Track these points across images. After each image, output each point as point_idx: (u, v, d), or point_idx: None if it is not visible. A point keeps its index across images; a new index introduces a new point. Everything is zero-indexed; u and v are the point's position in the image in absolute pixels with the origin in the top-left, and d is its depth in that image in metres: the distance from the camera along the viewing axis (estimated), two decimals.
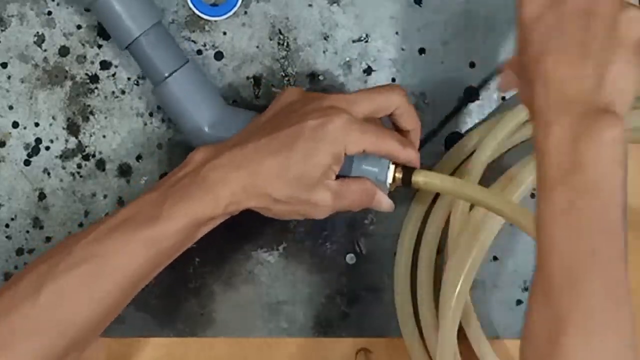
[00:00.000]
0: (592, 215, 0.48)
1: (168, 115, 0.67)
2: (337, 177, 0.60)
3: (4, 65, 0.69)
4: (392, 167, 0.63)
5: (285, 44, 0.70)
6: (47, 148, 0.70)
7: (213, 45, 0.70)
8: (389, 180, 0.63)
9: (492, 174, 0.70)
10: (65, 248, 0.58)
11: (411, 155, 0.62)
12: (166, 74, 0.64)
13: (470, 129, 0.71)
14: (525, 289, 0.71)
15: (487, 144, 0.67)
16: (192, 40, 0.70)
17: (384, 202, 0.64)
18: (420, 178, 0.62)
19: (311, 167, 0.58)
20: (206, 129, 0.64)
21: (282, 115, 0.62)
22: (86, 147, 0.70)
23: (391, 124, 0.64)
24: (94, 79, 0.70)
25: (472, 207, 0.67)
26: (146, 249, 0.57)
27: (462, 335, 0.67)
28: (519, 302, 0.71)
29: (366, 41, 0.70)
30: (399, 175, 0.63)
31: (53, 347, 0.56)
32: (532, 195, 0.70)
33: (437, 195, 0.69)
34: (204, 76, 0.66)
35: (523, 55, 0.54)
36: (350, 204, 0.62)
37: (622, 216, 0.49)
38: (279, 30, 0.70)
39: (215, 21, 0.70)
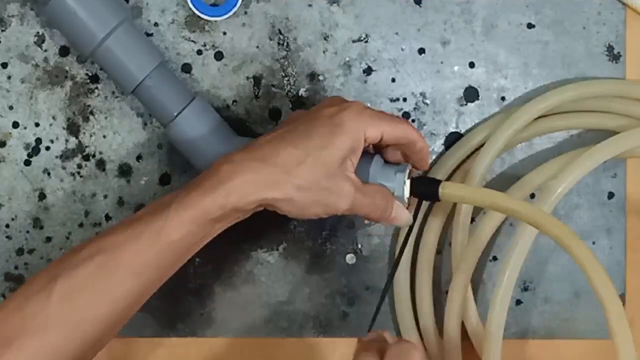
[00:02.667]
0: None
1: (181, 154, 0.67)
2: None
3: (4, 65, 0.69)
4: (408, 181, 0.63)
5: (285, 44, 0.70)
6: (47, 148, 0.70)
7: (213, 45, 0.70)
8: (406, 194, 0.63)
9: (501, 180, 0.70)
10: (78, 247, 0.58)
11: (423, 141, 0.62)
12: (175, 113, 0.64)
13: (470, 129, 0.71)
14: (525, 289, 0.71)
15: (485, 152, 0.67)
16: (192, 40, 0.70)
17: (403, 215, 0.63)
18: (449, 190, 0.62)
19: (331, 151, 0.57)
20: None
21: (294, 119, 0.62)
22: (86, 147, 0.70)
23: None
24: (94, 79, 0.70)
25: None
26: (156, 242, 0.56)
27: (463, 335, 0.68)
28: (518, 302, 0.71)
29: (366, 41, 0.70)
30: (422, 188, 0.63)
31: (64, 344, 0.56)
32: (532, 196, 0.70)
33: None
34: (213, 111, 0.67)
35: None
36: (369, 205, 0.60)
37: None
38: (279, 30, 0.70)
39: (215, 21, 0.70)
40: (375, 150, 0.64)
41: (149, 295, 0.59)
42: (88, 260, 0.56)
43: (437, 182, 0.63)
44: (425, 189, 0.63)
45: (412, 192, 0.63)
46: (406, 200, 0.63)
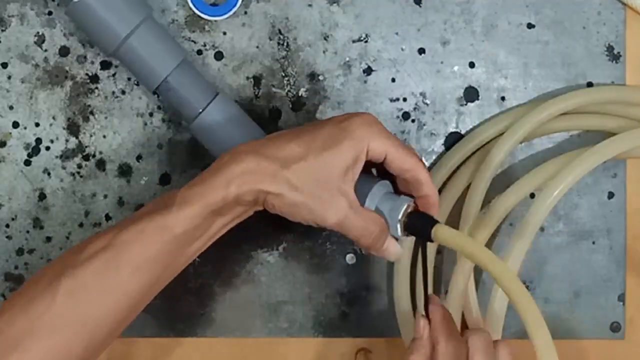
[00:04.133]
0: None
1: (207, 148, 0.66)
2: None
3: (5, 65, 0.69)
4: (402, 219, 0.60)
5: (285, 44, 0.70)
6: (48, 148, 0.70)
7: (213, 45, 0.70)
8: (399, 229, 0.60)
9: (501, 180, 0.70)
10: (82, 245, 0.58)
11: (432, 188, 0.60)
12: (199, 110, 0.65)
13: (471, 129, 0.71)
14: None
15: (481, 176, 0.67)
16: (192, 40, 0.70)
17: (394, 249, 0.61)
18: (442, 235, 0.58)
19: (332, 155, 0.57)
20: None
21: (303, 126, 0.61)
22: (86, 147, 0.70)
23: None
24: (94, 79, 0.70)
25: (482, 206, 0.68)
26: (160, 236, 0.56)
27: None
28: None
29: (366, 41, 0.70)
30: (416, 225, 0.59)
31: (71, 344, 0.55)
32: (532, 196, 0.70)
33: None
34: (236, 106, 0.67)
35: None
36: (360, 228, 0.58)
37: None
38: (279, 30, 0.70)
39: (215, 21, 0.70)
40: (385, 177, 0.62)
41: (155, 292, 0.59)
42: (92, 258, 0.56)
43: (433, 223, 0.59)
44: (419, 226, 0.60)
45: (406, 227, 0.60)
46: (399, 234, 0.60)
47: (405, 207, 0.60)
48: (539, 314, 0.56)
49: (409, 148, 0.60)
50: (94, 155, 0.70)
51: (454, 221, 0.69)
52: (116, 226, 0.58)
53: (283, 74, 0.70)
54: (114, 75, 0.70)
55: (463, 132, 0.71)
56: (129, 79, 0.70)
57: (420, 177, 0.59)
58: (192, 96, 0.65)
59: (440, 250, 0.70)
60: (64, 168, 0.70)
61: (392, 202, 0.60)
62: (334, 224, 0.58)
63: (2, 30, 0.69)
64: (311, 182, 0.57)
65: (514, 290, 0.56)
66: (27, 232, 0.70)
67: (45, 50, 0.69)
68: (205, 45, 0.70)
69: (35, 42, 0.69)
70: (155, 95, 0.70)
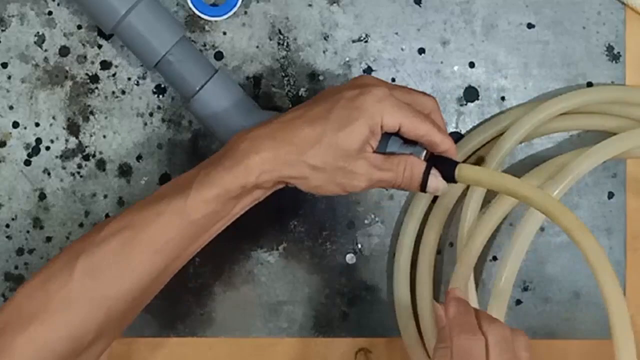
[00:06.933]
0: None
1: (205, 127, 0.66)
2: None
3: (5, 65, 0.69)
4: (425, 155, 0.61)
5: (285, 44, 0.70)
6: (48, 148, 0.70)
7: (213, 45, 0.70)
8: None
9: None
10: (100, 225, 0.59)
11: (448, 143, 0.60)
12: (197, 87, 0.65)
13: (471, 129, 0.71)
14: (525, 289, 0.71)
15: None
16: (192, 40, 0.70)
17: (433, 184, 0.61)
18: (466, 172, 0.60)
19: (347, 135, 0.57)
20: None
21: (318, 97, 0.61)
22: (86, 147, 0.70)
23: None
24: (94, 79, 0.70)
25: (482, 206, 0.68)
26: (178, 220, 0.57)
27: None
28: (518, 302, 0.71)
29: (366, 41, 0.70)
30: (438, 169, 0.60)
31: (87, 320, 0.57)
32: None
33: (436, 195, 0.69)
34: (235, 84, 0.67)
35: None
36: (392, 179, 0.60)
37: None
38: (279, 30, 0.70)
39: (215, 21, 0.70)
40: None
41: (172, 272, 0.61)
42: (110, 238, 0.57)
43: (454, 164, 0.61)
44: (441, 169, 0.61)
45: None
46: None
47: (423, 154, 0.61)
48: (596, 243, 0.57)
49: (421, 115, 0.60)
50: (94, 155, 0.70)
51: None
52: (134, 207, 0.59)
53: (283, 74, 0.70)
54: (114, 75, 0.70)
55: (463, 132, 0.71)
56: (128, 78, 0.70)
57: (434, 139, 0.60)
58: (191, 73, 0.65)
59: (439, 251, 0.70)
60: (64, 168, 0.70)
61: (409, 151, 0.61)
62: (366, 187, 0.59)
63: (2, 30, 0.69)
64: (331, 160, 0.58)
65: (562, 215, 0.58)
66: (27, 232, 0.70)
67: (45, 50, 0.69)
68: (205, 45, 0.70)
69: (35, 42, 0.69)
70: (156, 95, 0.70)
